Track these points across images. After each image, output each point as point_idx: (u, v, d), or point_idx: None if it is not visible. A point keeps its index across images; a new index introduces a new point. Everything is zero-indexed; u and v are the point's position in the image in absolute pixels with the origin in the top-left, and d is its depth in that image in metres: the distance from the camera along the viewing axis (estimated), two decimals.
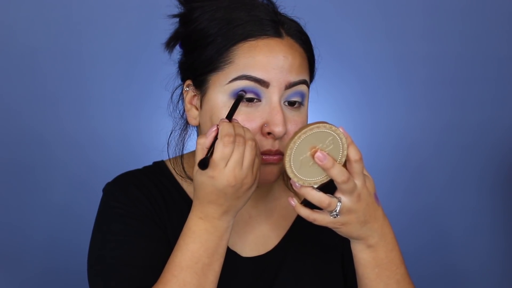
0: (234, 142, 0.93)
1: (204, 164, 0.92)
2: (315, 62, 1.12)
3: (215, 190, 0.95)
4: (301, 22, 1.10)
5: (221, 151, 0.93)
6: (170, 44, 1.13)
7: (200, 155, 0.95)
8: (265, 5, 1.07)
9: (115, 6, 1.93)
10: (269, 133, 1.02)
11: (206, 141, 0.95)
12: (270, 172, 1.05)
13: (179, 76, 1.14)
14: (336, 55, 2.00)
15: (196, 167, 0.95)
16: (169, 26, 1.13)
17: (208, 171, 0.94)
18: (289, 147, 0.92)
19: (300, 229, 1.17)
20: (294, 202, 0.98)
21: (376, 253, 1.02)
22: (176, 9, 1.12)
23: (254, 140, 0.97)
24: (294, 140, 0.92)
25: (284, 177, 1.20)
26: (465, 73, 2.03)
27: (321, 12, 1.98)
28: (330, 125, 0.93)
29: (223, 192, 0.95)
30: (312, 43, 1.12)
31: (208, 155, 0.92)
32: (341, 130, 0.93)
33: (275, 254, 1.15)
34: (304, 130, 0.92)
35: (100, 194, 1.15)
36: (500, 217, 2.08)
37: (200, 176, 0.95)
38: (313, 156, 0.93)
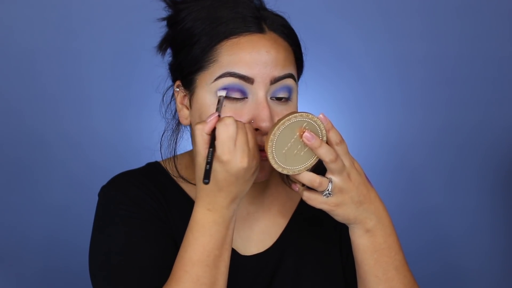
0: (235, 122, 0.94)
1: (207, 176, 0.90)
2: (303, 54, 1.12)
3: (227, 175, 0.95)
4: (285, 16, 1.10)
5: (225, 130, 0.93)
6: (162, 47, 1.13)
7: (200, 141, 0.95)
8: (248, 1, 1.07)
9: (115, 6, 1.93)
10: (256, 129, 1.02)
11: (206, 127, 0.95)
12: (262, 168, 1.04)
13: (170, 77, 1.15)
14: (335, 54, 2.00)
15: (199, 158, 0.95)
16: (161, 29, 1.14)
17: (219, 157, 0.93)
18: (269, 145, 0.95)
19: (298, 225, 1.18)
20: (297, 188, 1.01)
21: (374, 238, 1.02)
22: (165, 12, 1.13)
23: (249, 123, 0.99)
24: (270, 138, 0.94)
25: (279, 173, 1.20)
26: (464, 73, 2.03)
27: (321, 12, 1.98)
28: (303, 113, 0.95)
29: (235, 176, 0.95)
30: (302, 38, 1.11)
31: (208, 167, 0.91)
32: (320, 116, 0.95)
33: (273, 251, 1.15)
34: (277, 126, 0.94)
35: None
36: (500, 216, 2.08)
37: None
38: (301, 136, 0.95)
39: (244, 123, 0.97)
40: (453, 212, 2.07)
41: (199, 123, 0.96)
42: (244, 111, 1.02)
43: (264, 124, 1.01)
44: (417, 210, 2.06)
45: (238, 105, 1.02)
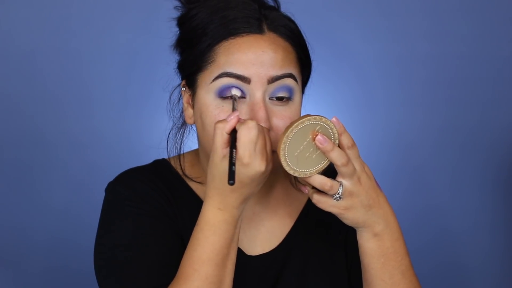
0: (257, 126, 0.93)
1: (232, 177, 0.89)
2: (310, 56, 1.11)
3: (244, 178, 0.95)
4: (289, 15, 1.09)
5: (247, 133, 0.93)
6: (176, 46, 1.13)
7: (219, 140, 0.94)
8: (249, 2, 1.07)
9: (115, 6, 1.93)
10: None
11: (227, 126, 0.94)
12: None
13: (179, 76, 1.15)
14: (336, 54, 2.00)
15: (215, 157, 0.94)
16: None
17: (239, 159, 0.93)
18: (281, 147, 0.94)
19: (304, 227, 1.17)
20: (307, 190, 1.01)
21: (381, 242, 1.02)
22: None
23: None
24: (283, 140, 0.94)
25: (288, 175, 1.20)
26: (465, 73, 2.04)
27: (321, 12, 1.98)
28: (316, 117, 0.95)
29: (251, 179, 0.95)
30: (307, 39, 1.11)
31: (234, 168, 0.90)
32: (333, 119, 0.95)
33: (279, 251, 1.15)
34: (291, 128, 0.94)
35: (101, 193, 1.14)
36: (501, 215, 2.08)
37: (225, 166, 0.94)
38: (314, 139, 0.95)
39: (263, 127, 0.97)
40: (454, 212, 2.07)
41: (219, 121, 0.96)
42: (242, 112, 1.02)
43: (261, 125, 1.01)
44: (418, 209, 2.06)
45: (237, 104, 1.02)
